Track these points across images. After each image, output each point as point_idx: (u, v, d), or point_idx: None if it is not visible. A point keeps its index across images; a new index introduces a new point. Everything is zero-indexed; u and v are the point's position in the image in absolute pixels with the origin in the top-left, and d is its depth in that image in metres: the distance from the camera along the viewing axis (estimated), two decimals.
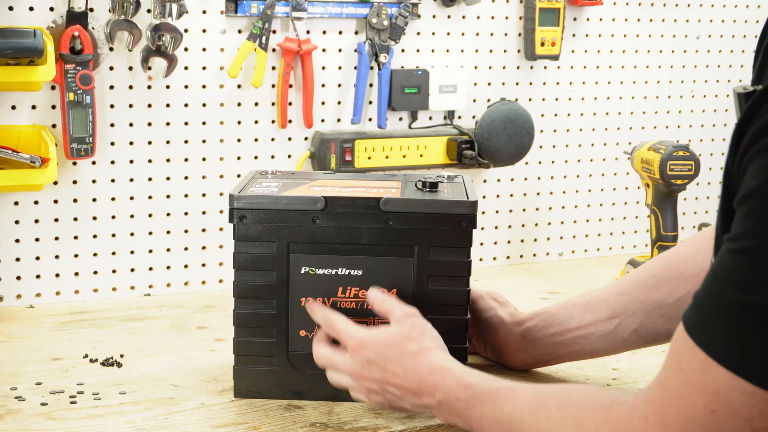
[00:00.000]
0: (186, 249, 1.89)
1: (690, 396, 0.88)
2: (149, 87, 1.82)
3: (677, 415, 0.89)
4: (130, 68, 1.80)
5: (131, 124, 1.82)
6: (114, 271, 1.85)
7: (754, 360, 0.83)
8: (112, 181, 1.82)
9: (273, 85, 1.91)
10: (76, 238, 1.81)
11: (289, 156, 1.94)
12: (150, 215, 1.86)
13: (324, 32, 1.93)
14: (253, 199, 1.31)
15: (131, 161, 1.83)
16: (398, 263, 1.30)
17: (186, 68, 1.84)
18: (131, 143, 1.83)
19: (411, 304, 1.28)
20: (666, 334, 1.34)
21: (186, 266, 1.90)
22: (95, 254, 1.83)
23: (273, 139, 1.93)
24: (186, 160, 1.87)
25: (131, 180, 1.84)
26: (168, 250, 1.88)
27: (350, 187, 1.37)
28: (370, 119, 2.00)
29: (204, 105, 1.87)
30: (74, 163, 1.79)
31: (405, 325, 1.22)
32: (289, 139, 1.94)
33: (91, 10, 1.74)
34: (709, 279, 0.89)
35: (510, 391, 1.11)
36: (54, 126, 1.76)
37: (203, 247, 1.90)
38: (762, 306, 0.83)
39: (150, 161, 1.85)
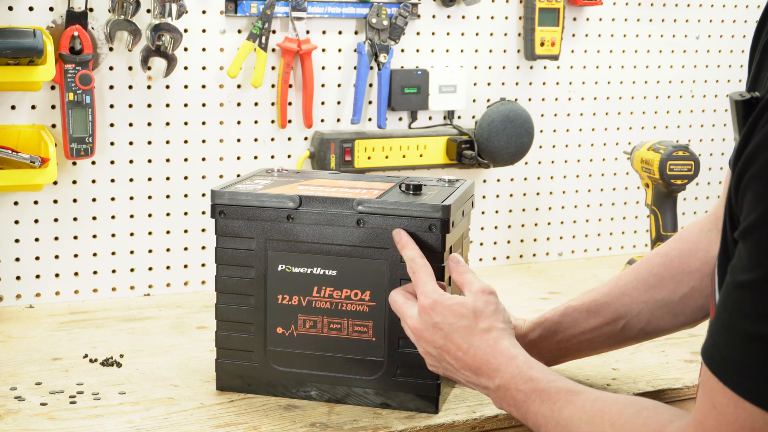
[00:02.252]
0: (186, 249, 1.89)
1: None
2: (149, 87, 1.82)
3: None
4: (130, 68, 1.80)
5: (131, 124, 1.82)
6: (114, 271, 1.85)
7: None
8: (112, 181, 1.82)
9: (273, 85, 1.91)
10: (75, 238, 1.81)
11: (289, 156, 1.94)
12: (150, 215, 1.86)
13: (324, 32, 1.93)
14: (232, 196, 1.32)
15: (131, 161, 1.83)
16: (372, 265, 1.30)
17: (186, 68, 1.84)
18: (131, 143, 1.83)
19: (385, 307, 1.28)
20: (673, 328, 1.35)
21: (186, 266, 1.90)
22: (95, 254, 1.83)
23: (273, 139, 1.93)
24: (186, 160, 1.87)
25: (131, 180, 1.84)
26: (168, 250, 1.88)
27: (335, 187, 1.37)
28: (369, 119, 2.00)
29: (204, 105, 1.87)
30: (74, 163, 1.79)
31: (480, 300, 1.20)
32: (289, 139, 1.94)
33: (91, 10, 1.74)
34: (722, 313, 0.88)
35: (571, 394, 1.10)
36: (54, 126, 1.76)
37: (203, 247, 1.90)
38: None
39: (150, 161, 1.85)
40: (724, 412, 0.88)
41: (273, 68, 1.90)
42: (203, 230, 1.90)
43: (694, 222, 1.36)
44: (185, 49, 1.83)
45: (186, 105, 1.85)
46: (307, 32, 1.91)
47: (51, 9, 1.72)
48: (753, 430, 0.86)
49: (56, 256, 1.80)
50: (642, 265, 1.36)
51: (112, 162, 1.82)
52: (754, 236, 0.84)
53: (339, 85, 1.97)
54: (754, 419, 0.85)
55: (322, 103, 1.96)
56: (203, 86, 1.86)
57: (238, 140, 1.90)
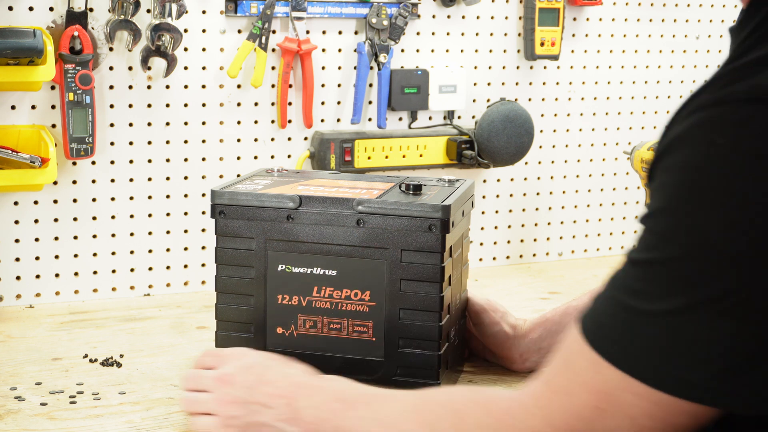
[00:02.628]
0: (186, 249, 1.89)
1: (578, 393, 0.90)
2: (149, 87, 1.82)
3: (562, 410, 0.91)
4: (130, 68, 1.80)
5: (131, 124, 1.82)
6: (114, 271, 1.85)
7: (647, 362, 0.85)
8: (112, 181, 1.82)
9: (273, 85, 1.91)
10: (75, 238, 1.81)
11: (289, 156, 1.94)
12: (150, 215, 1.86)
13: (324, 32, 1.93)
14: (232, 196, 1.32)
15: (131, 161, 1.83)
16: (372, 265, 1.30)
17: (186, 68, 1.84)
18: (131, 143, 1.83)
19: (385, 307, 1.29)
20: None
21: (186, 266, 1.90)
22: (95, 254, 1.83)
23: (273, 139, 1.93)
24: (186, 160, 1.87)
25: (131, 180, 1.84)
26: (168, 250, 1.88)
27: (335, 187, 1.37)
28: (369, 119, 2.00)
29: (204, 105, 1.87)
30: (74, 163, 1.79)
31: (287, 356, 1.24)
32: (289, 139, 1.94)
33: (91, 10, 1.74)
34: (607, 285, 0.91)
35: (393, 394, 1.10)
36: (54, 126, 1.76)
37: (203, 247, 1.90)
38: (656, 313, 0.84)
39: (150, 161, 1.85)
40: (580, 373, 0.90)
41: (273, 68, 1.90)
42: (203, 230, 1.90)
43: None
44: (185, 49, 1.83)
45: (186, 105, 1.85)
46: (307, 32, 1.91)
47: (51, 9, 1.72)
48: (606, 393, 0.87)
49: (56, 256, 1.80)
50: None
51: (112, 162, 1.82)
52: (651, 221, 0.87)
53: (339, 85, 1.97)
54: (610, 383, 0.87)
55: (322, 103, 1.96)
56: (203, 86, 1.86)
57: (238, 140, 1.90)
